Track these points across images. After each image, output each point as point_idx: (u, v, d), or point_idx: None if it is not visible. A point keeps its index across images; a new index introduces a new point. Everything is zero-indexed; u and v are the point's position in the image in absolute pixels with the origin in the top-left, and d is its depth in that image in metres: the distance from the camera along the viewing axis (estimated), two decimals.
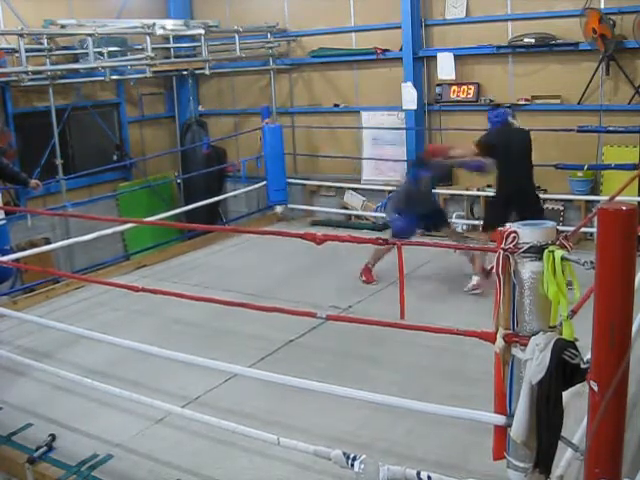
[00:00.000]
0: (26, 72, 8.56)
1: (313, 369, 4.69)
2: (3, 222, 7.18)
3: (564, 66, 8.24)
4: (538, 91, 8.45)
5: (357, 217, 9.90)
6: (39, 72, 8.88)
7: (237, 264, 7.79)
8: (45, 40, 8.96)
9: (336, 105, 10.16)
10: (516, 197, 6.14)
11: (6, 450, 4.04)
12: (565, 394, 2.61)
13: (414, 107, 9.07)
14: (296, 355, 5.15)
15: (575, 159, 7.78)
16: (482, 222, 6.89)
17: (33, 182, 6.89)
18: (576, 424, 3.10)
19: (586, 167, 7.74)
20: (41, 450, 3.91)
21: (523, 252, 2.67)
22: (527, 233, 2.68)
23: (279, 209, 9.63)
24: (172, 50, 10.79)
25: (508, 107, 6.70)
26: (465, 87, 8.94)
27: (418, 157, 6.70)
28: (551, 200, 8.41)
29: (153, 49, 9.36)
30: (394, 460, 3.31)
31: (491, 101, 8.77)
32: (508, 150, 6.16)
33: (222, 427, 3.65)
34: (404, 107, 9.20)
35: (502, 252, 2.72)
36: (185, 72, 10.94)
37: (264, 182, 9.48)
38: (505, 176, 6.28)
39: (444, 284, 6.69)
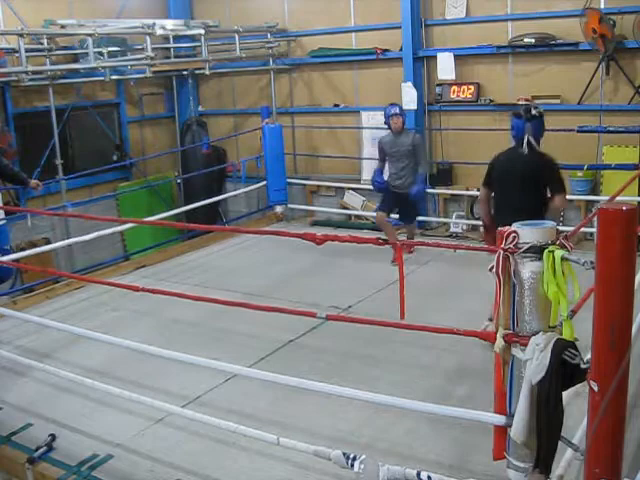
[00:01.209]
0: (26, 72, 8.57)
1: (313, 369, 4.70)
2: (3, 222, 7.17)
3: (564, 66, 8.24)
4: (538, 91, 8.44)
5: (357, 217, 9.90)
6: (39, 72, 8.89)
7: (237, 264, 7.80)
8: (45, 40, 8.96)
9: (336, 105, 10.16)
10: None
11: (6, 450, 4.04)
12: (565, 394, 2.61)
13: (414, 107, 9.07)
14: (296, 355, 5.15)
15: (575, 159, 7.78)
16: None
17: (33, 182, 6.89)
18: (576, 424, 3.10)
19: (586, 167, 7.74)
20: (41, 450, 3.91)
21: (523, 252, 2.67)
22: (527, 233, 2.69)
23: (279, 209, 9.64)
24: (172, 50, 10.80)
25: (535, 115, 4.95)
26: (465, 87, 8.95)
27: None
28: None
29: (153, 49, 9.37)
30: (394, 460, 3.31)
31: (491, 101, 8.78)
32: (502, 181, 5.07)
33: (222, 427, 3.65)
34: (404, 107, 9.16)
35: (502, 252, 2.72)
36: (185, 72, 10.94)
37: (264, 182, 9.48)
38: (495, 214, 5.16)
39: (444, 284, 6.69)
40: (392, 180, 7.45)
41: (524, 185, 4.89)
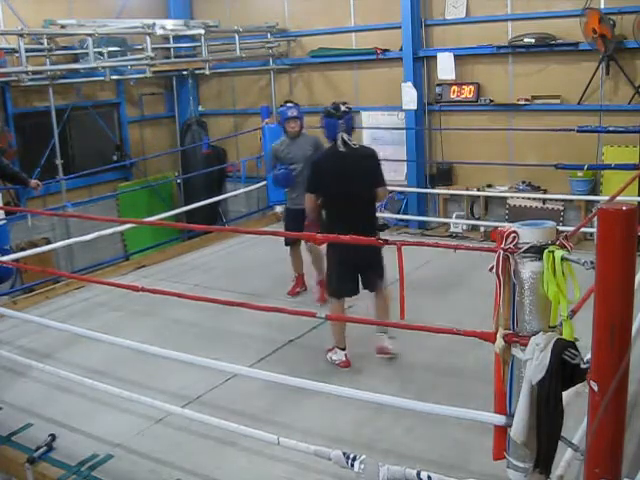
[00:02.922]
0: (26, 72, 8.58)
1: (313, 369, 4.70)
2: (3, 222, 7.18)
3: (564, 66, 8.25)
4: (538, 91, 8.45)
5: None
6: (39, 72, 8.90)
7: (237, 264, 7.79)
8: (45, 40, 8.97)
9: None
10: (352, 253, 4.52)
11: (6, 450, 4.04)
12: (565, 394, 2.61)
13: (414, 107, 9.08)
14: (296, 355, 5.15)
15: (575, 159, 7.78)
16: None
17: (33, 182, 6.90)
18: (576, 424, 3.10)
19: (586, 167, 7.72)
20: (41, 450, 3.91)
21: (523, 252, 2.67)
22: (527, 233, 2.68)
23: (279, 209, 9.61)
24: (172, 50, 10.81)
25: (345, 110, 4.97)
26: (465, 87, 8.95)
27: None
28: (551, 200, 8.42)
29: (153, 49, 9.38)
30: (394, 460, 3.30)
31: (491, 101, 8.78)
32: (336, 183, 4.74)
33: (222, 427, 3.65)
34: (404, 107, 9.20)
35: (502, 252, 2.71)
36: (185, 72, 10.96)
37: (264, 182, 9.46)
38: (333, 224, 4.64)
39: (444, 284, 6.68)
40: (292, 199, 6.45)
41: (363, 182, 4.79)
